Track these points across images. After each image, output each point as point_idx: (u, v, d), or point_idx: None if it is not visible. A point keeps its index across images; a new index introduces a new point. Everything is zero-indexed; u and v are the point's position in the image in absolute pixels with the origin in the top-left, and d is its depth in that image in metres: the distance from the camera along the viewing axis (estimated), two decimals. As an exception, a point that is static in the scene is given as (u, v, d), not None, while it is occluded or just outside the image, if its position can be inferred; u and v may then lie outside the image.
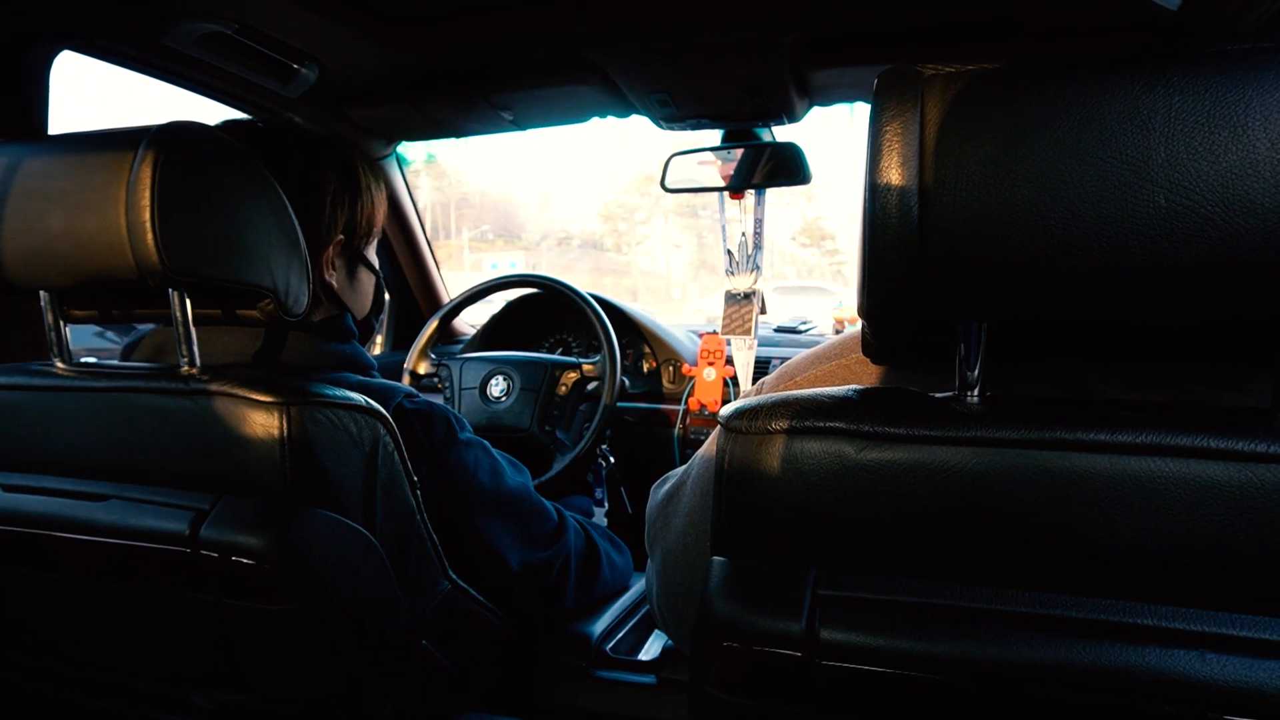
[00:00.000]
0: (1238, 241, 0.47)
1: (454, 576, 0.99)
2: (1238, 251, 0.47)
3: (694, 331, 2.03)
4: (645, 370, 1.94)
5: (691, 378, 1.76)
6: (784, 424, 0.59)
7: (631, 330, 1.93)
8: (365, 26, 1.29)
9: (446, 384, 1.75)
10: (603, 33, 1.29)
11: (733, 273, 1.68)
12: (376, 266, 1.13)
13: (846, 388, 0.61)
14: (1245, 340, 0.56)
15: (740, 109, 1.52)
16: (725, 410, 0.64)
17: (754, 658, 0.60)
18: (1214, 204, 0.47)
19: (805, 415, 0.59)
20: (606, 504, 1.74)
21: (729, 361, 1.72)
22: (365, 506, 0.87)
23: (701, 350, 1.75)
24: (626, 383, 1.79)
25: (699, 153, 1.70)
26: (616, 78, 1.42)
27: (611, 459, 1.74)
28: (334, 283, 1.05)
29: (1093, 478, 0.53)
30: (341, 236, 1.04)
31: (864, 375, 0.74)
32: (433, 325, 1.79)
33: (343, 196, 1.03)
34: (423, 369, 1.77)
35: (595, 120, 1.66)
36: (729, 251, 1.68)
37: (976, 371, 0.58)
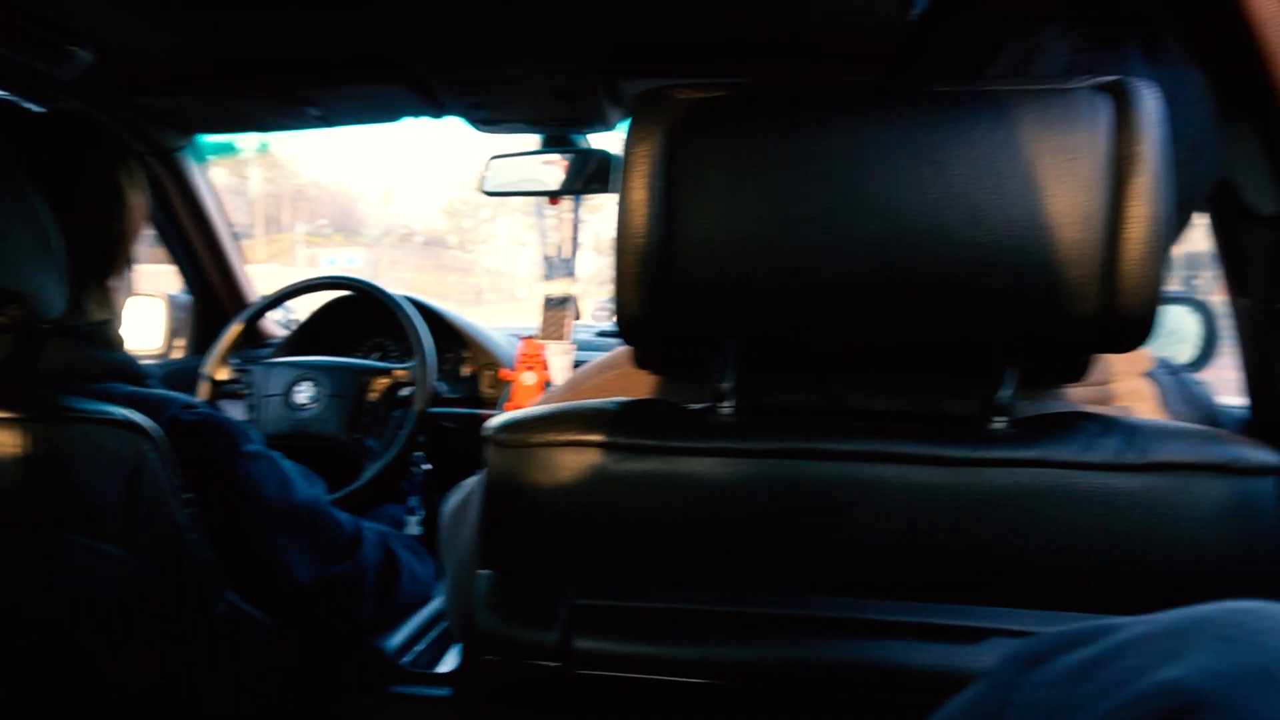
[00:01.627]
0: (940, 267, 0.51)
1: (233, 597, 0.94)
2: (941, 277, 0.51)
3: (515, 335, 2.02)
4: (464, 375, 1.91)
5: (509, 382, 1.75)
6: (545, 437, 0.60)
7: (449, 334, 1.90)
8: (147, 8, 1.20)
9: (249, 391, 1.67)
10: (412, 33, 1.26)
11: (550, 278, 1.69)
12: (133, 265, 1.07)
13: (608, 400, 0.63)
14: (965, 351, 0.62)
15: (555, 115, 1.53)
16: (490, 423, 0.64)
17: (516, 670, 0.60)
18: (920, 232, 0.51)
19: (565, 428, 0.60)
20: (421, 512, 1.70)
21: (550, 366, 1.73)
22: (126, 528, 0.81)
23: (521, 354, 1.74)
24: (442, 388, 1.76)
25: (519, 157, 1.70)
26: (428, 79, 1.39)
27: (426, 466, 1.71)
28: (112, 285, 0.98)
29: (826, 484, 0.57)
30: (122, 235, 0.97)
31: (640, 385, 0.75)
32: (234, 329, 1.70)
33: (118, 192, 0.97)
34: (222, 375, 1.67)
35: (409, 120, 1.63)
36: (546, 257, 1.69)
37: (728, 384, 0.60)
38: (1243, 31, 0.60)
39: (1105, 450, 0.54)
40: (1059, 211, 0.49)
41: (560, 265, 1.68)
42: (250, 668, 1.00)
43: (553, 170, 1.70)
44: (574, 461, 0.59)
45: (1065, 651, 0.27)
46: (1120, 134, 0.49)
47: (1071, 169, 0.49)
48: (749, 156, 0.52)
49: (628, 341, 0.61)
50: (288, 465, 1.07)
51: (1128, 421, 0.57)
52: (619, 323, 0.58)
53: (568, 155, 1.67)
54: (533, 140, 1.73)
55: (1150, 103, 0.50)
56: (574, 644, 0.58)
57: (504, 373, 1.78)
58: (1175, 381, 0.74)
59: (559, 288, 1.68)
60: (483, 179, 1.70)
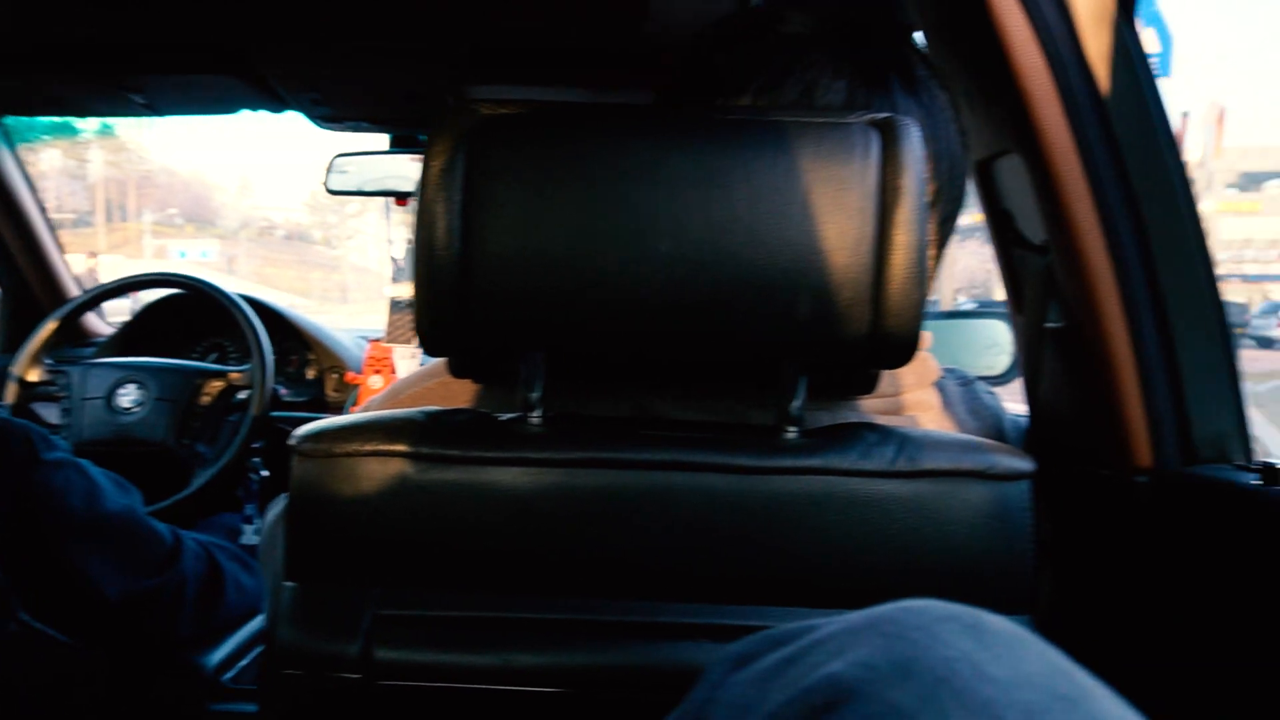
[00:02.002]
0: (723, 287, 0.54)
1: (25, 617, 0.88)
2: (725, 296, 0.54)
3: (363, 337, 1.97)
4: (309, 378, 1.85)
5: (356, 386, 1.71)
6: (348, 447, 0.59)
7: (293, 335, 1.83)
8: None
9: (65, 393, 1.56)
10: (245, 22, 1.21)
11: (398, 280, 1.66)
12: None
13: (415, 410, 0.63)
14: (762, 365, 0.65)
15: (400, 116, 1.50)
16: (296, 433, 0.63)
17: (317, 684, 0.60)
18: (706, 253, 0.53)
19: (369, 438, 0.59)
20: (259, 520, 1.64)
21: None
22: None
23: (369, 358, 1.70)
24: (281, 391, 1.70)
25: (364, 156, 1.66)
26: (264, 72, 1.34)
27: (265, 473, 1.65)
28: None
29: (623, 492, 0.58)
30: None
31: (459, 394, 0.76)
32: (49, 326, 1.58)
33: None
34: (34, 376, 1.56)
35: (247, 113, 1.57)
36: (393, 258, 1.66)
37: (535, 394, 0.61)
38: (1008, 79, 0.66)
39: (881, 459, 0.58)
40: (832, 238, 0.53)
41: (408, 267, 1.65)
42: (48, 690, 0.94)
43: (402, 170, 1.67)
44: (377, 471, 0.59)
45: (770, 650, 0.30)
46: (886, 167, 0.53)
47: (843, 198, 0.53)
48: (546, 174, 0.54)
49: (428, 353, 0.61)
50: (97, 473, 1.02)
51: (903, 431, 0.61)
52: (418, 334, 0.58)
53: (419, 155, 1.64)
54: (382, 140, 1.70)
55: (913, 139, 0.54)
56: (376, 655, 0.58)
57: (351, 376, 1.74)
58: (964, 392, 0.80)
59: (406, 290, 1.65)
60: (327, 177, 1.65)
